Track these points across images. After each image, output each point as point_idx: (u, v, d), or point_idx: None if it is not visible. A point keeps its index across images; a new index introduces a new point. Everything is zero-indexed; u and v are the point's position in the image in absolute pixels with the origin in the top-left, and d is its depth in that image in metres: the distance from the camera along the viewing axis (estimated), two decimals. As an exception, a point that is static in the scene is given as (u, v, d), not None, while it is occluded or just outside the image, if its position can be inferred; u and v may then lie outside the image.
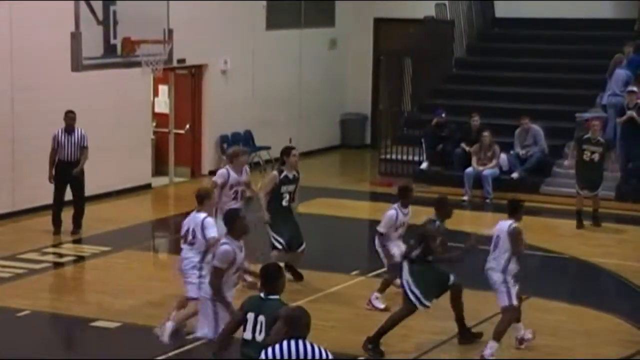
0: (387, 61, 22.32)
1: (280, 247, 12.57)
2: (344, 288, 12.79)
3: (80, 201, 15.49)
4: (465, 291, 12.27)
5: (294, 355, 6.41)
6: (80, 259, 14.46)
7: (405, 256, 10.76)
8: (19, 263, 13.72)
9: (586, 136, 16.47)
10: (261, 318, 7.29)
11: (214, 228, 10.21)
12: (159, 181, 19.71)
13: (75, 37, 12.36)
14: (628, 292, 13.05)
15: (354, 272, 13.50)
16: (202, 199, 10.35)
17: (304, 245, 12.78)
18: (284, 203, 12.74)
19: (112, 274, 13.43)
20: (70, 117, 15.21)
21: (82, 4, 12.54)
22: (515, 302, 10.37)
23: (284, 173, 12.75)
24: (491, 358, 10.21)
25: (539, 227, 15.81)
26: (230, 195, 12.41)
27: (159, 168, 20.19)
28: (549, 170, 19.03)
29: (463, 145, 19.28)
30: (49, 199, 15.48)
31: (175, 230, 17.23)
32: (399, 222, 11.99)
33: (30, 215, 16.24)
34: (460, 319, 10.86)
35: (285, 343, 6.49)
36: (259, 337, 7.29)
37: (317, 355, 6.46)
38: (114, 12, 12.94)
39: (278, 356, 6.42)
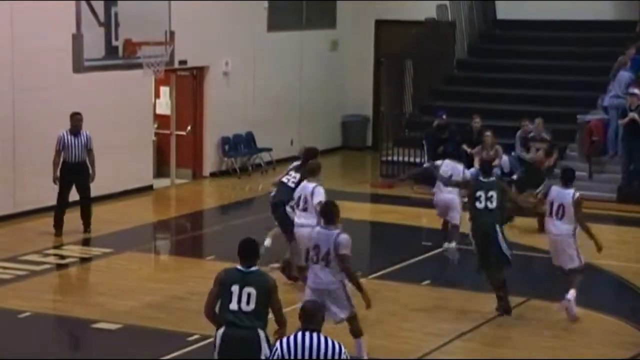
0: (388, 63, 22.31)
1: None
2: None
3: (88, 202, 15.55)
4: (462, 292, 12.32)
5: (308, 348, 6.57)
6: (81, 260, 14.46)
7: None
8: (20, 265, 13.72)
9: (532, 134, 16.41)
10: (248, 289, 7.66)
11: (320, 195, 11.51)
12: (161, 183, 19.72)
13: (77, 38, 12.38)
14: (629, 294, 13.05)
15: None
16: (313, 171, 11.83)
17: None
18: None
19: (113, 276, 13.43)
20: (77, 119, 15.22)
21: (84, 5, 12.56)
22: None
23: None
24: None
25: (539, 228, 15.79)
26: None
27: (161, 170, 20.19)
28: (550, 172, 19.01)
29: (464, 146, 19.26)
30: (50, 201, 15.48)
31: (177, 232, 17.30)
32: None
33: (31, 216, 16.23)
34: None
35: (300, 335, 6.65)
36: (247, 307, 7.66)
37: (330, 349, 6.59)
38: (116, 14, 12.96)
39: (293, 347, 6.59)
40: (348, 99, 24.24)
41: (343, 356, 6.62)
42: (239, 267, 7.78)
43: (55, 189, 15.27)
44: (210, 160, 20.74)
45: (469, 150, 19.14)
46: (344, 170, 23.37)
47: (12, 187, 16.33)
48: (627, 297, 13.01)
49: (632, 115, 17.98)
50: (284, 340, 6.67)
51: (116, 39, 13.06)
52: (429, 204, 18.10)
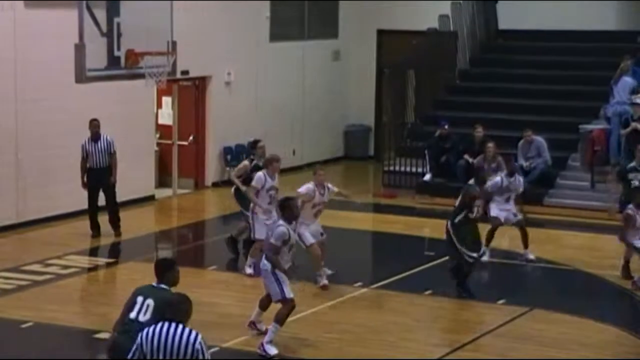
0: (390, 72, 22.33)
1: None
2: (347, 299, 12.77)
3: (114, 207, 15.93)
4: (464, 302, 12.31)
5: (165, 336, 7.07)
6: (84, 270, 14.46)
7: None
8: (22, 275, 13.72)
9: (631, 165, 15.90)
10: (149, 301, 8.02)
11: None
12: (163, 193, 19.73)
13: (79, 48, 12.38)
14: (631, 304, 13.04)
15: (357, 284, 13.48)
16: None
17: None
18: None
19: (115, 286, 13.43)
20: (94, 125, 15.69)
21: (86, 16, 12.57)
22: None
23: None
24: None
25: (543, 239, 15.81)
26: (266, 199, 13.35)
27: (163, 179, 20.20)
28: (552, 182, 19.02)
29: (466, 156, 19.28)
30: (53, 211, 15.51)
31: (179, 242, 17.30)
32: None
33: (34, 226, 16.24)
34: None
35: (164, 325, 7.15)
36: (142, 318, 7.97)
37: (185, 336, 7.07)
38: (118, 24, 12.97)
39: (151, 336, 7.10)
40: (350, 109, 24.25)
41: (197, 346, 7.08)
42: (154, 283, 8.17)
43: (59, 198, 15.33)
44: (213, 170, 20.75)
45: (470, 160, 19.15)
46: (346, 180, 23.34)
47: (15, 197, 16.35)
48: (629, 308, 13.00)
49: (635, 125, 17.97)
50: (145, 330, 7.18)
51: (118, 49, 13.08)
52: (431, 213, 18.16)
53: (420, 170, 20.10)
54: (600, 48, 21.43)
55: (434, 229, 17.35)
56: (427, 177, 19.89)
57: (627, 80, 18.85)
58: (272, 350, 10.57)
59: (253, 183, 13.45)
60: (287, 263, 10.71)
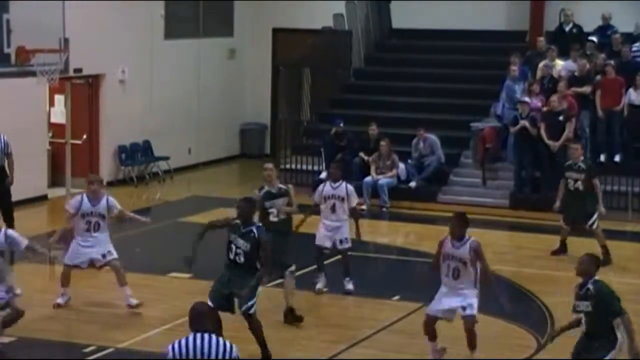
0: (285, 71, 22.40)
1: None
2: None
3: (10, 209, 15.36)
4: (359, 299, 12.39)
5: (200, 349, 6.64)
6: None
7: None
8: None
9: (567, 163, 15.16)
10: None
11: None
12: (56, 192, 19.41)
13: (-33, 45, 12.13)
14: (522, 298, 13.33)
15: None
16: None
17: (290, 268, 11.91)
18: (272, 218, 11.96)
19: (7, 288, 13.12)
20: None
21: (-25, 12, 12.32)
22: None
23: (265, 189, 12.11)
24: None
25: (435, 236, 15.97)
26: (83, 226, 12.08)
27: (56, 179, 19.88)
28: (445, 178, 19.36)
29: (361, 154, 19.47)
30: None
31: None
32: None
33: None
34: None
35: (191, 337, 6.72)
36: None
37: (221, 349, 6.66)
38: (7, 21, 12.75)
39: (184, 350, 6.65)
40: (246, 107, 24.24)
41: (234, 355, 6.72)
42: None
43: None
44: (107, 169, 20.50)
45: (366, 158, 19.36)
46: (242, 178, 23.35)
47: None
48: (521, 301, 13.29)
49: (523, 123, 18.40)
50: (176, 343, 6.73)
51: (8, 46, 12.88)
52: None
53: (316, 168, 20.22)
54: (491, 47, 21.89)
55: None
56: (323, 175, 19.97)
57: (514, 88, 19.24)
58: None
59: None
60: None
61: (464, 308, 10.07)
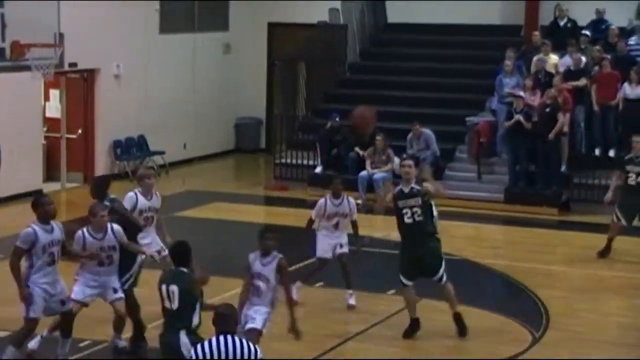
0: (281, 65, 22.40)
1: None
2: (235, 294, 12.74)
3: None
4: (360, 293, 12.44)
5: (224, 352, 6.65)
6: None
7: None
8: None
9: (628, 156, 14.74)
10: (172, 288, 8.04)
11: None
12: (51, 187, 19.40)
13: (-38, 40, 12.12)
14: (517, 292, 13.37)
15: (249, 277, 13.48)
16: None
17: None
18: None
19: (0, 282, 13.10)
20: None
21: (-31, 7, 12.31)
22: None
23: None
24: None
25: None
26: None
27: (51, 173, 19.87)
28: (440, 173, 19.35)
29: (357, 149, 19.48)
30: None
31: (67, 237, 16.98)
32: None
33: None
34: None
35: (214, 339, 6.74)
36: (173, 305, 8.04)
37: (245, 351, 6.67)
38: (2, 15, 12.75)
39: (209, 352, 6.66)
40: (241, 102, 24.23)
41: (259, 356, 6.71)
42: (172, 267, 8.22)
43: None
44: (102, 163, 20.50)
45: (361, 152, 19.37)
46: (237, 173, 23.37)
47: None
48: (515, 296, 13.34)
49: (517, 117, 18.41)
50: (199, 346, 6.74)
51: (3, 40, 12.86)
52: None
53: (311, 162, 20.23)
54: (486, 42, 21.89)
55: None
56: (318, 169, 20.03)
57: (508, 82, 19.25)
58: None
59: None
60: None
61: None
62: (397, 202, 10.90)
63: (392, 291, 12.84)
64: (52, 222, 10.01)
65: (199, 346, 6.74)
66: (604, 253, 14.79)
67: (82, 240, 10.26)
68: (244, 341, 6.75)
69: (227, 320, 6.87)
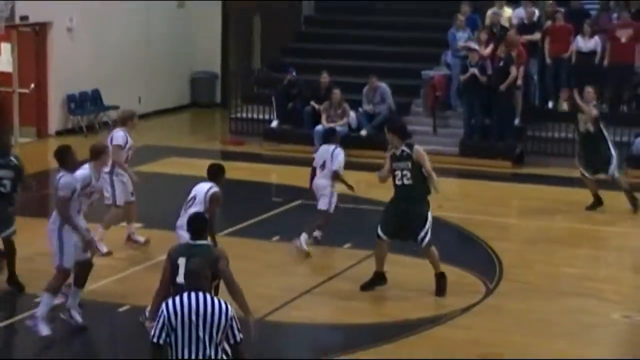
0: (236, 19, 22.24)
1: None
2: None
3: None
4: (317, 247, 12.53)
5: (195, 308, 6.57)
6: None
7: None
8: None
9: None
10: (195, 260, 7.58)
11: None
12: (4, 142, 19.16)
13: None
14: (472, 245, 13.52)
15: (205, 231, 13.52)
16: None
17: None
18: None
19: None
20: None
21: None
22: None
23: None
24: None
25: (386, 184, 16.13)
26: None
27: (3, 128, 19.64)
28: (396, 127, 19.39)
29: (313, 103, 19.48)
30: None
31: (22, 192, 16.85)
32: None
33: None
34: None
35: (185, 296, 6.64)
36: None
37: (216, 307, 6.61)
38: (-49, -32, 12.49)
39: (179, 309, 6.57)
40: (196, 56, 24.06)
41: (230, 314, 6.65)
42: (190, 241, 7.83)
43: None
44: (56, 118, 20.32)
45: (317, 106, 19.37)
46: (193, 127, 23.28)
47: None
48: (469, 248, 13.49)
49: (472, 71, 18.49)
50: (169, 302, 6.64)
51: (-48, -7, 12.60)
52: (278, 160, 18.32)
53: (267, 117, 20.19)
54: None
55: (281, 175, 17.55)
56: (274, 124, 20.01)
57: (460, 37, 19.29)
58: (44, 330, 9.68)
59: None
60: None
61: None
62: (392, 164, 11.12)
63: (347, 245, 12.94)
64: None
65: (169, 302, 6.64)
66: (594, 206, 14.89)
67: None
68: (215, 298, 6.70)
69: (197, 277, 6.77)
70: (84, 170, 10.19)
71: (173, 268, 7.66)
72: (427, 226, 10.99)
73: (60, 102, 20.41)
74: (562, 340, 10.06)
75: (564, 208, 15.10)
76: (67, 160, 9.96)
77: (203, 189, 10.44)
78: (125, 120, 12.77)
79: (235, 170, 17.92)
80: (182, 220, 9.87)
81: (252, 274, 11.70)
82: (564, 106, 16.00)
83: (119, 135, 12.55)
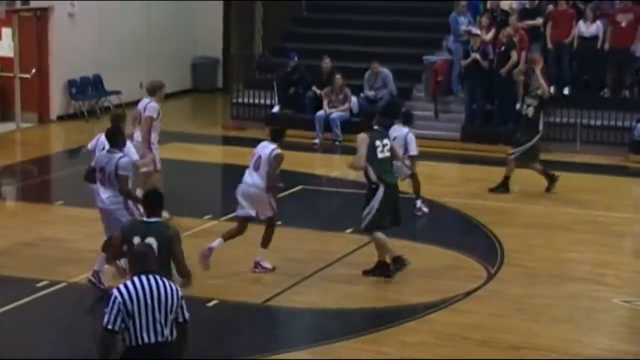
0: (237, 4, 22.20)
1: None
2: (197, 232, 12.83)
3: None
4: (314, 232, 12.50)
5: (148, 290, 6.57)
6: None
7: None
8: None
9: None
10: (150, 240, 7.61)
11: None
12: (5, 127, 19.24)
13: None
14: (472, 229, 13.52)
15: (206, 217, 13.55)
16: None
17: None
18: None
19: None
20: None
21: None
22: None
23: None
24: None
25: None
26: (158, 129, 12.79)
27: (5, 113, 19.69)
28: (398, 112, 19.38)
29: (314, 88, 19.46)
30: None
31: (24, 177, 16.91)
32: None
33: None
34: None
35: (136, 279, 6.64)
36: None
37: (168, 289, 6.63)
38: (-48, -48, 12.47)
39: (133, 292, 6.55)
40: (198, 41, 24.04)
41: (180, 293, 6.69)
42: (144, 218, 7.85)
43: None
44: (57, 103, 20.32)
45: (318, 91, 19.36)
46: (194, 112, 23.27)
47: None
48: (470, 232, 13.50)
49: (474, 55, 18.46)
50: (121, 286, 6.60)
51: (-48, -22, 12.59)
52: (280, 145, 18.26)
53: (268, 102, 20.18)
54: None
55: (285, 160, 17.51)
56: (276, 108, 20.00)
57: (462, 21, 19.25)
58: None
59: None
60: None
61: None
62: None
63: (349, 230, 12.95)
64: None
65: (122, 288, 6.57)
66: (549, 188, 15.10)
67: None
68: (165, 280, 6.69)
69: (144, 259, 6.75)
70: (131, 149, 10.59)
71: (129, 246, 7.76)
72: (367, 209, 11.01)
73: (61, 87, 20.40)
74: (563, 325, 10.08)
75: (565, 193, 15.10)
76: (119, 140, 10.19)
77: (267, 149, 11.03)
78: (154, 90, 12.85)
79: (237, 156, 17.94)
80: (252, 179, 11.08)
81: (252, 258, 11.73)
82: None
83: (152, 106, 12.65)
